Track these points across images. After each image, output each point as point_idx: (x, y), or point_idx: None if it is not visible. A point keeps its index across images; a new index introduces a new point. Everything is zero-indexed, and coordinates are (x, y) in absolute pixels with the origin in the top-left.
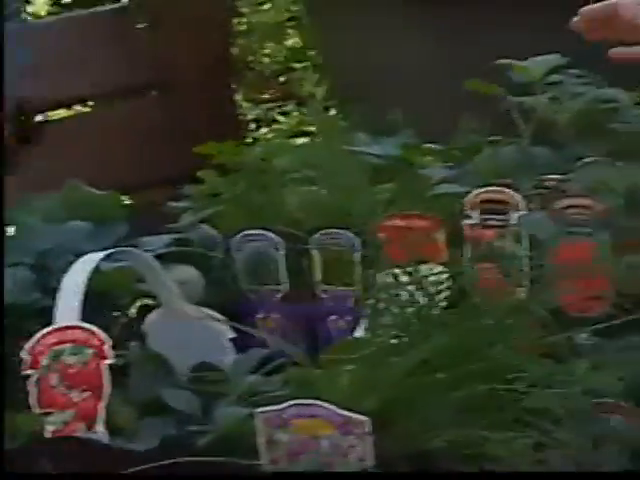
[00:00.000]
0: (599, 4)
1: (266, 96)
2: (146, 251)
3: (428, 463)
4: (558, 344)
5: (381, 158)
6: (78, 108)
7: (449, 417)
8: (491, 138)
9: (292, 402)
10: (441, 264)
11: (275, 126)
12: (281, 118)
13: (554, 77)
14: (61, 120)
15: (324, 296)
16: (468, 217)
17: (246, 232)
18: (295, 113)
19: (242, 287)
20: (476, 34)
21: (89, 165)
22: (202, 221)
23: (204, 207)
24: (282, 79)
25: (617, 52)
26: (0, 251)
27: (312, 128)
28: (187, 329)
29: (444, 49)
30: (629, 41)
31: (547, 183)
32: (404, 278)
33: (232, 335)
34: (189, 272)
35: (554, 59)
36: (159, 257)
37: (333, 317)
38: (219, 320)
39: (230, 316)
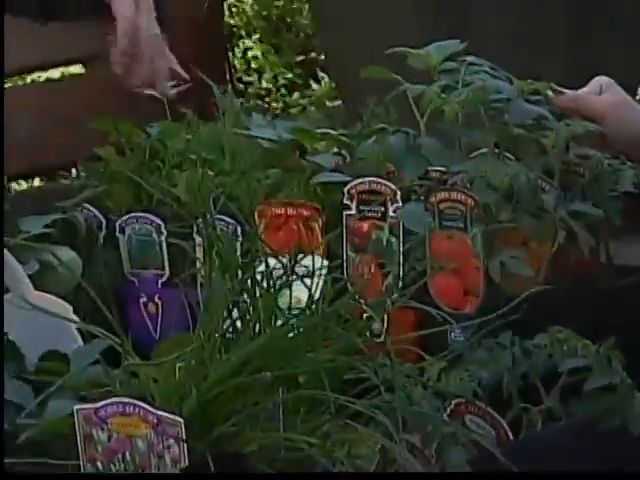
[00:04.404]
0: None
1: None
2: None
3: (242, 467)
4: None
5: (273, 142)
6: None
7: (270, 420)
8: (381, 126)
9: (109, 400)
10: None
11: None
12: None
13: (449, 64)
14: None
15: (203, 282)
16: (347, 207)
17: (131, 214)
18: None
19: (125, 270)
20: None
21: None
22: (91, 200)
23: (96, 186)
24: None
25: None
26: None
27: None
28: (36, 318)
29: None
30: None
31: (432, 174)
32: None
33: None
34: (67, 254)
35: (452, 45)
36: (38, 238)
37: None
38: (66, 308)
39: (113, 299)
